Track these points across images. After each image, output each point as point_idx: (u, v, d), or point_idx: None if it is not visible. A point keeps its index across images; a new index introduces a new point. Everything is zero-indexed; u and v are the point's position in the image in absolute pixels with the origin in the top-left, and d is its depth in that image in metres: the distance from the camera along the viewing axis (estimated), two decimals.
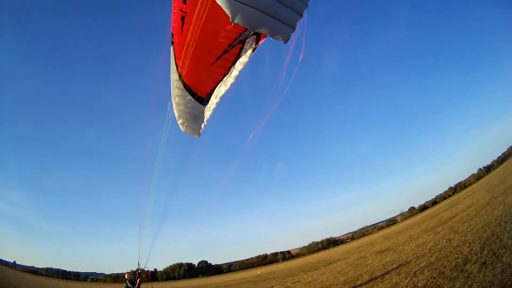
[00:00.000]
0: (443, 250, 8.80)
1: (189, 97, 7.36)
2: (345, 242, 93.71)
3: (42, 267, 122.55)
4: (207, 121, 7.76)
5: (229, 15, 4.09)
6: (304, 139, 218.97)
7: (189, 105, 7.54)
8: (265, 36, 6.13)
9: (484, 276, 4.87)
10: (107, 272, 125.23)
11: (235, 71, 6.69)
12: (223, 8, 4.08)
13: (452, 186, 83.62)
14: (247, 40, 6.34)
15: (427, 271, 6.85)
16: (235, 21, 4.17)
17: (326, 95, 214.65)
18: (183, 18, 6.25)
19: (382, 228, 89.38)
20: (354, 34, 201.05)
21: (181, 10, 5.91)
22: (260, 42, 6.33)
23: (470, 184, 69.32)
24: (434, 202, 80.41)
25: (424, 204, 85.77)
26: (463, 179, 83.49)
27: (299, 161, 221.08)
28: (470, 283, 4.83)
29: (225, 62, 6.64)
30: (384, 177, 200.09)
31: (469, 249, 7.04)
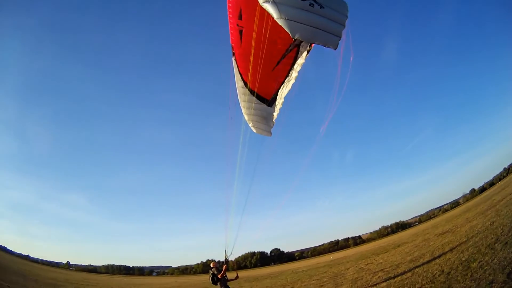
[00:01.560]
0: (486, 231, 11.38)
1: (256, 101, 7.87)
2: (413, 226, 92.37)
3: (101, 264, 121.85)
4: (275, 120, 8.18)
5: (290, 33, 4.70)
6: (371, 126, 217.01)
7: (256, 108, 8.00)
8: None
9: (503, 253, 7.11)
10: (174, 265, 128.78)
11: (294, 73, 7.08)
12: (284, 28, 4.69)
13: (506, 167, 79.69)
14: (302, 44, 6.85)
15: (471, 249, 9.42)
16: (295, 37, 4.80)
17: (387, 83, 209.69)
18: (240, 32, 6.73)
19: (446, 210, 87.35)
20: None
21: (237, 25, 6.36)
22: (313, 44, 6.74)
23: None
24: (491, 183, 77.32)
25: (483, 186, 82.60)
26: None
27: (367, 149, 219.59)
28: (494, 258, 7.07)
29: (285, 65, 7.08)
30: (450, 158, 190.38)
31: (501, 231, 9.67)
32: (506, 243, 7.75)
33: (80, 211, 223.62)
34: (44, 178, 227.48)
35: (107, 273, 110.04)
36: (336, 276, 16.20)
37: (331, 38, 4.80)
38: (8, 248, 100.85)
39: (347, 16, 5.17)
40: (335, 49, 4.90)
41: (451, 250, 11.04)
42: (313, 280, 17.65)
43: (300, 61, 6.78)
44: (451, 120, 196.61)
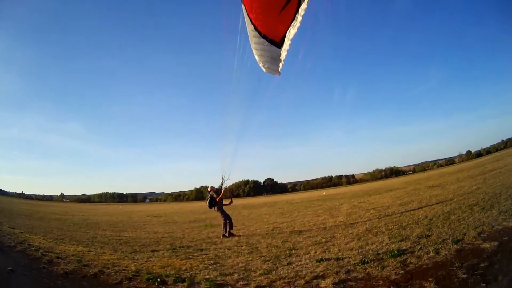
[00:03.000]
0: (470, 193, 13.19)
1: (266, 42, 8.18)
2: (406, 174, 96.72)
3: (94, 193, 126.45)
4: (284, 60, 8.52)
5: None
6: (378, 65, 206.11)
7: (266, 50, 8.34)
8: None
9: (478, 215, 8.47)
10: (167, 191, 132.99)
11: (299, 16, 7.35)
12: None
13: (504, 139, 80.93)
14: None
15: (454, 204, 11.22)
16: None
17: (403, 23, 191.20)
18: None
19: (441, 166, 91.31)
20: None
21: None
22: None
23: None
24: (488, 151, 79.63)
25: (480, 151, 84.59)
26: None
27: (371, 87, 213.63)
28: (470, 217, 8.54)
29: (290, 9, 7.30)
30: (455, 113, 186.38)
31: (482, 197, 11.37)
32: (483, 208, 9.33)
33: (78, 140, 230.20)
34: (45, 110, 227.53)
35: (100, 201, 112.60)
36: (331, 209, 18.47)
37: None
38: (1, 189, 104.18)
39: None
40: None
41: (437, 202, 13.00)
42: (309, 211, 19.73)
43: (303, 6, 7.17)
44: (465, 73, 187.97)
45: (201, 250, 8.99)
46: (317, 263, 6.37)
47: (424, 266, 5.31)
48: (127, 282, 5.87)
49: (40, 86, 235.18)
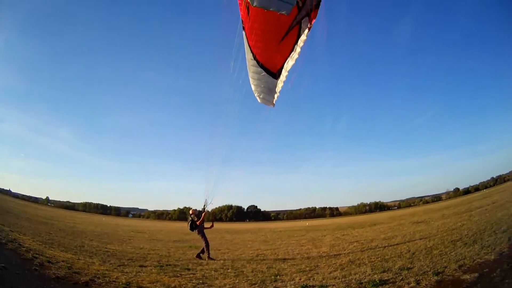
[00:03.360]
0: (454, 230, 13.41)
1: (263, 73, 8.12)
2: (391, 209, 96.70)
3: (79, 201, 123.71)
4: (280, 92, 8.45)
5: (250, 2, 5.51)
6: (371, 97, 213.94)
7: (263, 80, 8.29)
8: (315, 17, 7.11)
9: (460, 250, 8.62)
10: (151, 208, 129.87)
11: (298, 48, 7.39)
12: None
13: (494, 177, 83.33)
14: (303, 21, 7.12)
15: (437, 240, 11.36)
16: (253, 5, 5.57)
17: (397, 58, 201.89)
18: (247, 6, 6.92)
19: (427, 202, 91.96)
20: None
21: (244, 1, 6.50)
22: (312, 22, 7.12)
23: (508, 180, 69.86)
24: (476, 188, 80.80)
25: (468, 188, 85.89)
26: (505, 172, 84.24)
27: (363, 119, 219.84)
28: (452, 251, 8.65)
29: (289, 40, 7.33)
30: (444, 149, 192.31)
31: (466, 233, 11.64)
32: (466, 243, 9.52)
33: (67, 146, 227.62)
34: (39, 112, 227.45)
35: (84, 210, 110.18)
36: (315, 240, 18.46)
37: (283, 6, 5.53)
38: None
39: None
40: (287, 14, 5.71)
41: (420, 238, 13.13)
42: (292, 240, 19.71)
43: (303, 37, 7.24)
44: (455, 110, 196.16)
45: (188, 269, 8.98)
46: None
47: None
48: None
49: (37, 87, 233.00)
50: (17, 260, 7.41)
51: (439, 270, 6.74)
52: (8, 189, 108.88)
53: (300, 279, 7.43)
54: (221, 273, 8.49)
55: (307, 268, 8.78)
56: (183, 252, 13.42)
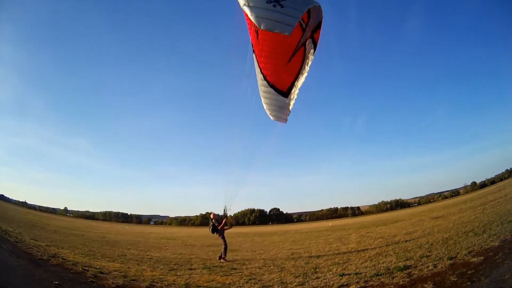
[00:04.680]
0: (468, 222, 14.76)
1: (273, 92, 8.60)
2: (412, 206, 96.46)
3: (97, 210, 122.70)
4: (291, 109, 8.91)
5: (257, 26, 5.96)
6: (387, 96, 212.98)
7: (274, 99, 8.75)
8: (318, 38, 7.82)
9: (472, 240, 9.93)
10: (172, 215, 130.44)
11: (306, 67, 7.90)
12: (255, 23, 5.93)
13: (508, 169, 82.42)
14: (307, 43, 7.71)
15: (452, 232, 12.74)
16: (261, 28, 6.00)
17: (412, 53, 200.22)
18: (256, 31, 7.44)
19: (446, 197, 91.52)
20: None
21: (254, 25, 6.77)
22: (317, 42, 7.87)
23: None
24: (492, 182, 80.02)
25: (484, 181, 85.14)
26: None
27: (380, 117, 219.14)
28: (465, 241, 9.98)
29: (297, 61, 7.83)
30: (462, 144, 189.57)
31: (477, 225, 12.95)
32: (476, 233, 10.81)
33: (83, 156, 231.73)
34: (52, 123, 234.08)
35: (104, 220, 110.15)
36: (341, 238, 19.67)
37: (285, 28, 5.99)
38: (4, 195, 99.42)
39: (302, 11, 6.43)
40: (289, 35, 6.10)
41: (438, 231, 14.49)
42: (320, 239, 20.83)
43: (310, 56, 7.85)
44: (471, 105, 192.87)
45: (234, 269, 9.93)
46: (340, 277, 7.91)
47: (424, 275, 6.93)
48: None
49: (47, 97, 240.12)
50: (68, 275, 7.36)
51: (452, 256, 8.23)
52: (23, 200, 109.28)
53: (337, 269, 8.93)
54: (266, 270, 9.75)
55: (341, 261, 10.33)
56: None
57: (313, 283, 7.56)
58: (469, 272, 6.52)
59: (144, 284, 7.03)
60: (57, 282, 6.18)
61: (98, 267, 8.85)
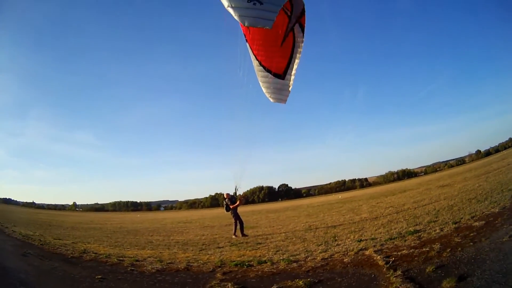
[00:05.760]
0: (471, 190, 15.80)
1: (270, 75, 8.96)
2: (418, 175, 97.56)
3: (107, 202, 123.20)
4: (291, 89, 9.21)
5: (242, 23, 6.53)
6: (388, 64, 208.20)
7: (271, 82, 9.08)
8: (304, 22, 8.20)
9: (474, 206, 10.89)
10: (181, 199, 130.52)
11: (299, 49, 8.30)
12: (239, 21, 6.42)
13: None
14: (294, 28, 8.17)
15: (457, 199, 13.83)
16: (245, 25, 6.63)
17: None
18: None
19: (452, 166, 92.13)
20: None
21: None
22: (304, 26, 8.24)
23: None
24: (496, 150, 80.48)
25: (488, 150, 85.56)
26: None
27: (381, 87, 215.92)
28: (468, 207, 10.94)
29: (288, 45, 8.24)
30: (466, 112, 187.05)
31: (480, 192, 13.97)
32: (479, 200, 11.76)
33: (87, 149, 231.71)
34: (53, 119, 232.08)
35: (114, 210, 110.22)
36: (353, 209, 20.83)
37: (266, 22, 6.51)
38: (11, 198, 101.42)
39: (280, 5, 6.84)
40: (270, 28, 6.59)
41: (444, 199, 15.59)
42: (333, 212, 21.90)
43: (300, 39, 8.30)
44: (472, 72, 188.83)
45: (260, 243, 10.44)
46: (358, 242, 9.01)
47: (432, 238, 8.01)
48: (219, 269, 6.86)
49: (43, 93, 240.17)
50: (106, 267, 7.48)
51: (457, 221, 9.27)
52: (31, 201, 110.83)
53: (354, 237, 10.02)
54: (290, 242, 10.54)
55: (356, 229, 11.50)
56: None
57: (335, 249, 8.57)
58: (471, 234, 7.45)
59: (181, 266, 7.33)
60: (99, 276, 6.37)
61: (131, 256, 9.01)
